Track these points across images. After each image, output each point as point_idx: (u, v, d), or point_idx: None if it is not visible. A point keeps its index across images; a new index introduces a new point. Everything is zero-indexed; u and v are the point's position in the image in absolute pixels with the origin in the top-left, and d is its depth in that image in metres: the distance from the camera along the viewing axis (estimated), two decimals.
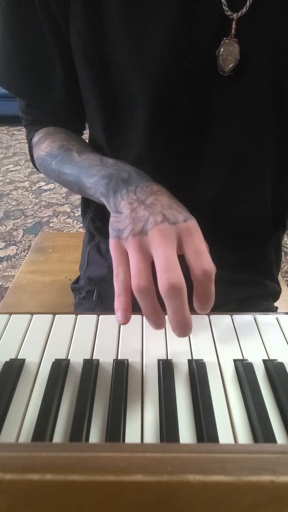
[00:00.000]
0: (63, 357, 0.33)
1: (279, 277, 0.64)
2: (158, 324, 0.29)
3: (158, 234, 0.28)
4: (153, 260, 0.28)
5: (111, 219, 0.33)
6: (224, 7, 0.33)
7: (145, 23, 0.35)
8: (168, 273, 0.26)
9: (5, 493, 0.16)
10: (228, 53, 0.35)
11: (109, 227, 0.32)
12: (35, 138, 0.49)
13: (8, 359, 0.32)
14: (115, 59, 0.37)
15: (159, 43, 0.35)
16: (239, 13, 0.33)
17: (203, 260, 0.28)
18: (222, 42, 0.34)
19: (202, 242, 0.29)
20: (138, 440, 0.26)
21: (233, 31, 0.34)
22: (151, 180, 0.35)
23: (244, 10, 0.33)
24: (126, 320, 0.29)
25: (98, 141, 0.47)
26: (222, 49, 0.35)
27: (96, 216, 0.58)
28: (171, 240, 0.28)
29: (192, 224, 0.30)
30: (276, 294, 0.62)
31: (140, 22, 0.35)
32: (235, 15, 0.33)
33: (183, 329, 0.28)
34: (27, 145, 0.52)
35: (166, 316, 0.29)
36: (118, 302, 0.29)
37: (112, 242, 0.31)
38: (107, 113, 0.42)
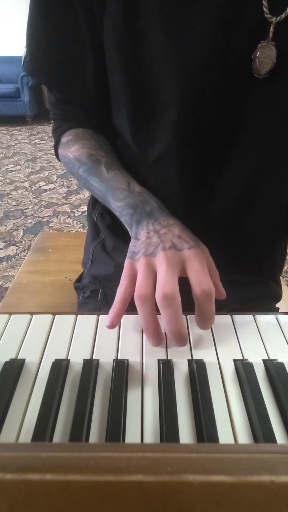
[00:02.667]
0: (63, 357, 0.33)
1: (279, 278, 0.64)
2: (155, 337, 0.33)
3: (164, 256, 0.33)
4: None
5: (130, 244, 0.39)
6: (265, 9, 0.33)
7: (184, 24, 0.35)
8: (164, 285, 0.31)
9: (5, 493, 0.16)
10: (265, 56, 0.35)
11: (128, 250, 0.38)
12: (64, 139, 0.50)
13: (8, 359, 0.32)
14: (149, 57, 0.37)
15: (197, 45, 0.35)
16: (279, 18, 0.33)
17: (203, 281, 0.32)
18: (259, 45, 0.35)
19: (204, 266, 0.34)
20: (138, 440, 0.26)
21: (270, 34, 0.34)
22: (169, 215, 0.40)
23: (283, 15, 0.33)
24: (112, 325, 0.33)
25: (124, 136, 0.47)
26: (259, 52, 0.35)
27: (105, 211, 0.57)
28: (173, 263, 0.33)
29: (195, 251, 0.34)
30: (277, 296, 0.62)
31: (178, 22, 0.35)
32: (274, 18, 0.33)
33: (178, 337, 0.31)
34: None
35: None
36: (113, 307, 0.34)
37: (126, 262, 0.37)
38: (135, 106, 0.42)
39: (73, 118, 0.50)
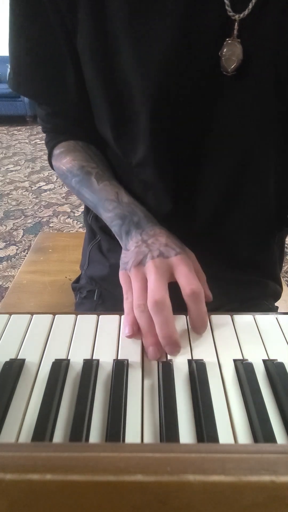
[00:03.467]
0: (63, 357, 0.33)
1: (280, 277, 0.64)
2: (154, 343, 0.33)
3: (153, 265, 0.36)
4: None
5: (122, 255, 0.41)
6: (227, 8, 0.33)
7: (148, 25, 0.35)
8: (153, 292, 0.33)
9: (5, 493, 0.16)
10: (231, 53, 0.35)
11: (120, 261, 0.41)
12: (56, 151, 0.52)
13: (8, 359, 0.32)
14: (120, 60, 0.38)
15: (162, 44, 0.35)
16: (242, 14, 0.33)
17: (191, 282, 0.34)
18: (225, 43, 0.35)
19: (191, 270, 0.36)
20: (138, 440, 0.26)
21: (235, 32, 0.34)
22: (156, 224, 0.42)
23: (246, 12, 0.33)
24: (133, 333, 0.34)
25: (108, 141, 0.47)
26: (225, 50, 0.35)
27: None
28: (162, 270, 0.35)
29: (182, 257, 0.37)
30: (277, 294, 0.62)
31: (143, 23, 0.35)
32: (237, 16, 0.33)
33: (170, 343, 0.32)
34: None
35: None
36: (126, 319, 0.35)
37: (121, 274, 0.39)
38: (114, 113, 0.43)
39: (64, 130, 0.52)
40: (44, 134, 0.55)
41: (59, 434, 0.27)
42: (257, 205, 0.47)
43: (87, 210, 0.61)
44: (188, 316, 0.36)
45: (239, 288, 0.55)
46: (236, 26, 0.34)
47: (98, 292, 0.61)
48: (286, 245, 0.62)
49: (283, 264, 0.60)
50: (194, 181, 0.45)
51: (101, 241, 0.61)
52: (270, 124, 0.40)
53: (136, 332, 0.34)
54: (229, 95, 0.38)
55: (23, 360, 0.32)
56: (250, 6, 0.33)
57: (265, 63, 0.36)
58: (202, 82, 0.37)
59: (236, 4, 0.33)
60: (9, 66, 0.46)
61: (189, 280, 0.34)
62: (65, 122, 0.51)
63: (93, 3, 0.36)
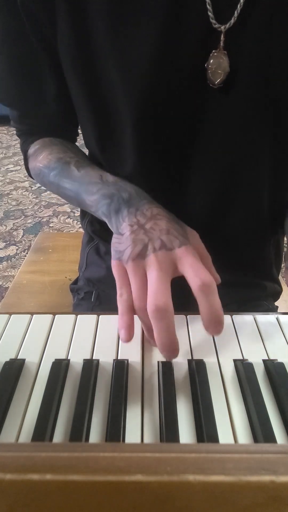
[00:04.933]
0: (63, 357, 0.33)
1: (279, 277, 0.64)
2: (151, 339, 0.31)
3: (155, 260, 0.31)
4: None
5: (113, 240, 0.35)
6: (211, 20, 0.32)
7: (131, 33, 0.34)
8: (155, 295, 0.29)
9: (5, 493, 0.16)
10: (217, 66, 0.34)
11: (111, 248, 0.35)
12: (31, 149, 0.49)
13: (8, 359, 0.32)
14: (102, 69, 0.37)
15: (145, 54, 0.34)
16: (227, 25, 0.32)
17: (199, 273, 0.30)
18: (211, 55, 0.34)
19: (198, 259, 0.31)
20: (138, 440, 0.26)
21: (221, 43, 0.33)
22: (151, 202, 0.37)
23: (232, 21, 0.32)
24: (129, 338, 0.31)
25: (94, 154, 0.46)
26: (211, 61, 0.34)
27: (94, 218, 0.57)
28: (165, 265, 0.31)
29: (187, 248, 0.32)
30: (276, 294, 0.62)
31: (125, 32, 0.34)
32: (222, 27, 0.32)
33: (168, 351, 0.29)
34: None
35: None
36: (121, 321, 0.31)
37: (114, 264, 0.34)
38: (99, 124, 0.42)
39: (40, 131, 0.49)
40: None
41: (59, 434, 0.27)
42: (251, 211, 0.47)
43: (83, 214, 0.60)
44: (201, 316, 0.30)
45: (237, 290, 0.55)
46: (222, 38, 0.33)
47: (95, 294, 0.61)
48: (286, 245, 0.62)
49: (283, 264, 0.60)
50: (184, 191, 0.44)
51: (99, 244, 0.61)
52: (260, 134, 0.39)
53: (132, 336, 0.31)
54: (215, 108, 0.37)
55: (23, 360, 0.32)
56: (236, 15, 0.32)
57: (252, 75, 0.35)
58: (187, 93, 0.36)
59: (220, 14, 0.32)
60: None
61: (197, 271, 0.30)
62: (41, 122, 0.48)
63: (73, 15, 0.35)
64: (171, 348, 0.29)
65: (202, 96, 0.36)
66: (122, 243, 0.34)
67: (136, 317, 0.32)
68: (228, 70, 0.34)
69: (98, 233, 0.59)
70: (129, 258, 0.32)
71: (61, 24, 0.35)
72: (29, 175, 0.52)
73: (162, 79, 0.35)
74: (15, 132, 0.52)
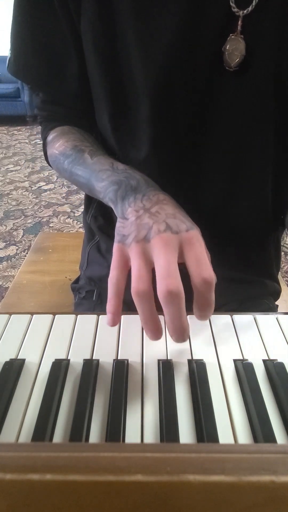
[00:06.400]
0: (63, 357, 0.33)
1: (279, 277, 0.64)
2: (155, 332, 0.30)
3: (161, 242, 0.29)
4: (154, 267, 0.29)
5: (117, 224, 0.34)
6: (231, 4, 0.34)
7: (154, 17, 0.35)
8: (167, 279, 0.27)
9: (5, 493, 0.16)
10: (234, 48, 0.35)
11: (115, 232, 0.34)
12: (50, 136, 0.49)
13: (8, 359, 0.32)
14: (123, 50, 0.38)
15: (166, 37, 0.36)
16: (245, 11, 0.34)
17: (203, 269, 0.29)
18: (228, 38, 0.35)
19: (203, 252, 0.30)
20: (138, 440, 0.26)
21: (239, 27, 0.35)
22: (159, 189, 0.36)
23: (250, 8, 0.34)
24: (113, 323, 0.30)
25: (106, 135, 0.47)
26: (228, 45, 0.35)
27: (98, 213, 0.58)
28: (172, 248, 0.29)
29: (194, 233, 0.31)
30: (276, 293, 0.62)
31: (148, 15, 0.36)
32: (241, 12, 0.34)
33: (180, 336, 0.29)
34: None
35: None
36: (109, 305, 0.30)
37: (115, 246, 0.32)
38: (113, 102, 0.42)
39: (60, 118, 0.50)
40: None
41: (59, 434, 0.27)
42: (255, 202, 0.47)
43: (87, 209, 0.61)
44: (193, 303, 0.31)
45: (237, 288, 0.55)
46: (239, 22, 0.34)
47: (97, 293, 0.61)
48: (286, 245, 0.62)
49: (283, 265, 0.60)
50: (194, 177, 0.45)
51: (100, 242, 0.61)
52: (268, 120, 0.40)
53: (117, 323, 0.30)
54: (231, 90, 0.38)
55: (23, 360, 0.32)
56: (254, 2, 0.33)
57: (267, 59, 0.36)
58: (205, 76, 0.38)
59: (240, 1, 0.34)
60: (9, 51, 0.45)
61: (201, 265, 0.29)
62: (62, 109, 0.49)
63: None
64: (183, 333, 0.29)
65: (217, 79, 0.38)
66: (126, 227, 0.33)
67: (137, 318, 0.31)
68: (244, 53, 0.35)
69: (102, 229, 0.58)
70: (133, 240, 0.31)
71: (85, 1, 0.37)
72: (47, 163, 0.52)
73: (180, 58, 0.37)
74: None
